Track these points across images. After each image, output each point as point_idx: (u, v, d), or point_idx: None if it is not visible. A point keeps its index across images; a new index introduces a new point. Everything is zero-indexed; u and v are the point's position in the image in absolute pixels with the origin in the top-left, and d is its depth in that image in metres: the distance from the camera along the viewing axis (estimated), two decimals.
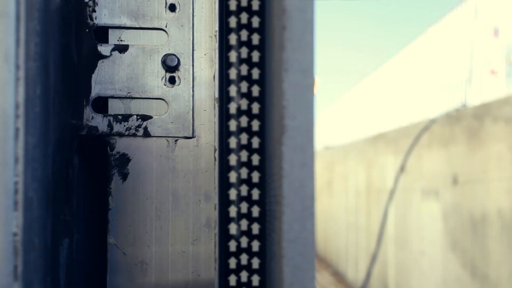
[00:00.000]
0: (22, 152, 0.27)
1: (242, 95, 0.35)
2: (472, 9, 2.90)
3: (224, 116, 0.35)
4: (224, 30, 0.34)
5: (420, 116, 3.89)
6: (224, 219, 0.34)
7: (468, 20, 2.98)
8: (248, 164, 0.35)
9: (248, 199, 0.35)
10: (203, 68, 0.36)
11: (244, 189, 0.34)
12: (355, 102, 5.87)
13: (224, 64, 0.36)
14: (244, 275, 0.33)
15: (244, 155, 0.35)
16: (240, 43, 0.35)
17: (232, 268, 0.34)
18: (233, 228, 0.34)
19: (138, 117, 0.35)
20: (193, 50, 0.35)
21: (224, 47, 0.35)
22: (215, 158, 0.35)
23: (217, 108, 0.35)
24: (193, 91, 0.35)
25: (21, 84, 0.27)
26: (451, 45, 3.42)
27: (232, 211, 0.35)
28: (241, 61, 0.35)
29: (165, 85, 0.35)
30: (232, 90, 0.35)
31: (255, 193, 0.34)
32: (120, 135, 0.35)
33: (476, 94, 2.93)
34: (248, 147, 0.35)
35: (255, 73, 0.34)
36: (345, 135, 6.09)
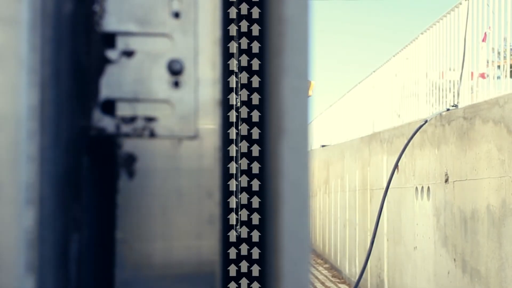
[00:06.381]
0: (37, 152, 0.29)
1: (242, 103, 0.37)
2: (464, 13, 2.95)
3: (225, 118, 0.37)
4: (226, 37, 0.36)
5: (413, 116, 3.94)
6: (225, 215, 0.36)
7: (461, 25, 3.03)
8: (248, 171, 0.37)
9: (248, 205, 0.37)
10: (206, 72, 0.37)
11: (244, 197, 0.36)
12: (352, 103, 5.90)
13: (225, 68, 0.37)
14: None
15: (244, 162, 0.37)
16: (240, 50, 0.37)
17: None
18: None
19: (144, 118, 0.37)
20: (196, 55, 0.37)
21: (225, 53, 0.37)
22: (216, 158, 0.37)
23: (219, 110, 0.37)
24: (196, 94, 0.37)
25: (36, 88, 0.28)
26: (443, 48, 3.47)
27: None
28: (241, 69, 0.37)
29: (169, 88, 0.37)
30: (232, 98, 0.37)
31: (255, 201, 0.36)
32: (127, 135, 0.37)
33: (467, 95, 2.98)
34: (248, 154, 0.37)
35: (255, 81, 0.36)
36: (342, 134, 6.12)
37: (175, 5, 0.37)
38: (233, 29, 0.36)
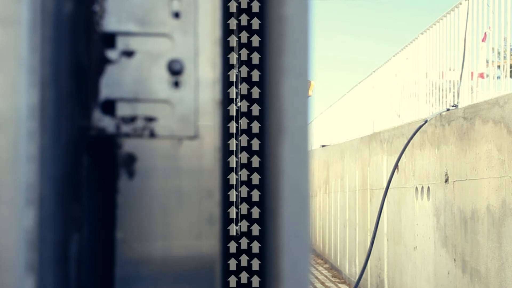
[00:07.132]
0: (37, 152, 0.29)
1: (242, 97, 0.37)
2: (464, 13, 2.95)
3: (225, 118, 0.37)
4: (225, 35, 0.36)
5: (413, 116, 3.94)
6: (225, 214, 0.36)
7: (461, 25, 3.03)
8: (248, 165, 0.37)
9: (248, 199, 0.37)
10: (206, 72, 0.37)
11: (244, 190, 0.36)
12: (352, 103, 5.91)
13: (225, 68, 0.38)
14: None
15: (244, 156, 0.37)
16: (240, 46, 0.37)
17: (232, 268, 0.36)
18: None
19: (144, 118, 0.37)
20: (196, 55, 0.37)
21: (225, 52, 0.37)
22: (216, 158, 0.37)
23: (219, 110, 0.37)
24: (196, 94, 0.37)
25: (36, 88, 0.28)
26: (443, 48, 3.47)
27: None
28: (241, 63, 0.37)
29: (170, 88, 0.37)
30: (232, 92, 0.37)
31: (255, 194, 0.36)
32: (127, 135, 0.37)
33: (467, 95, 2.99)
34: (248, 148, 0.37)
35: (255, 75, 0.37)
36: (342, 134, 6.12)
37: (175, 5, 0.37)
38: (233, 23, 0.36)
